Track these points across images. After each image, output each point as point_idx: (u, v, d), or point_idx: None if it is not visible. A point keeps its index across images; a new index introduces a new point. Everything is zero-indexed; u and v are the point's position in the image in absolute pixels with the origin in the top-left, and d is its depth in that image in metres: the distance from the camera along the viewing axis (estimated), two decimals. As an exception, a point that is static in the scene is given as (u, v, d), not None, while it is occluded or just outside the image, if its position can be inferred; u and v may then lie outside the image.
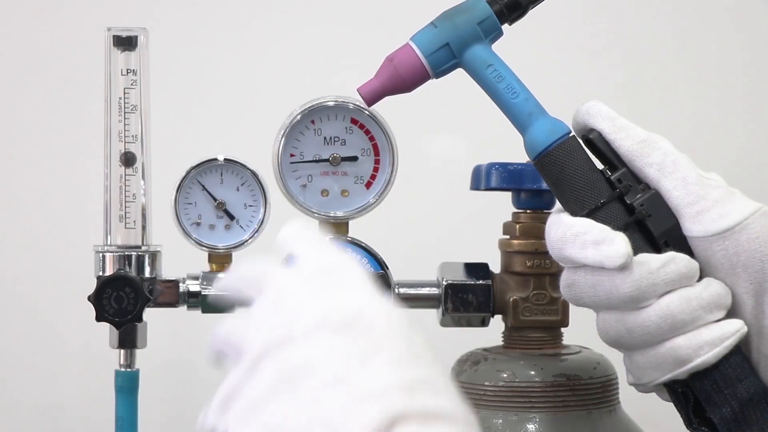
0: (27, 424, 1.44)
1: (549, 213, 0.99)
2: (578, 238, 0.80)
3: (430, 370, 0.63)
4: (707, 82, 1.48)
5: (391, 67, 0.86)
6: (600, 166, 0.84)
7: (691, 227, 0.81)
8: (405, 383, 0.61)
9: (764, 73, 1.49)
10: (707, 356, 0.79)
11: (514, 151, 1.02)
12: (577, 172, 0.82)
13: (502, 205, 1.02)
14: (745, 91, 1.49)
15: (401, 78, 0.86)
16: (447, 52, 0.85)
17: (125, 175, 0.98)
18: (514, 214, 1.01)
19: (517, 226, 1.00)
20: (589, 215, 0.82)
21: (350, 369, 0.62)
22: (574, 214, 0.82)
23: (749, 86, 1.49)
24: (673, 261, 0.80)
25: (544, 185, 0.98)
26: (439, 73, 0.86)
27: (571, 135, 0.84)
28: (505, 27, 0.87)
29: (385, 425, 0.59)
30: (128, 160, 0.98)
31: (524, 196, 1.00)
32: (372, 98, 0.87)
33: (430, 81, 0.87)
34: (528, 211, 1.00)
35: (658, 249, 0.81)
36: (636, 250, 0.80)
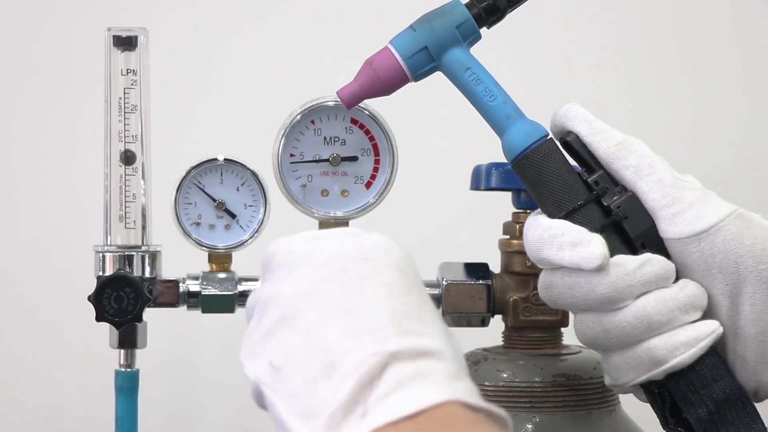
0: (27, 424, 1.44)
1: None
2: (555, 239, 0.81)
3: (420, 301, 0.66)
4: (707, 82, 1.48)
5: (370, 70, 0.86)
6: (577, 168, 0.84)
7: (667, 229, 0.82)
8: (398, 317, 0.64)
9: (764, 74, 1.49)
10: (683, 357, 0.80)
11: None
12: (554, 175, 0.83)
13: (502, 205, 1.03)
14: (744, 91, 1.49)
15: (380, 81, 0.86)
16: (425, 56, 0.86)
17: (125, 175, 0.98)
18: (514, 214, 1.01)
19: (517, 226, 1.00)
20: (566, 217, 0.82)
21: (347, 296, 0.65)
22: (551, 216, 0.83)
23: (749, 86, 1.49)
24: (650, 262, 0.80)
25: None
26: (418, 76, 0.87)
27: (548, 138, 0.84)
28: (502, 27, 0.87)
29: (380, 368, 0.62)
30: (128, 158, 0.98)
31: (524, 196, 1.00)
32: (351, 101, 0.87)
33: (418, 82, 0.87)
34: (528, 211, 1.00)
35: (634, 251, 0.82)
36: (613, 252, 0.80)
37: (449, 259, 1.02)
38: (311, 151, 0.98)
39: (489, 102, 0.85)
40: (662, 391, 0.82)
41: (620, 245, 0.82)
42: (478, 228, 1.18)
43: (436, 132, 1.45)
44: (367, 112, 0.97)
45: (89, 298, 0.95)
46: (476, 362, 0.98)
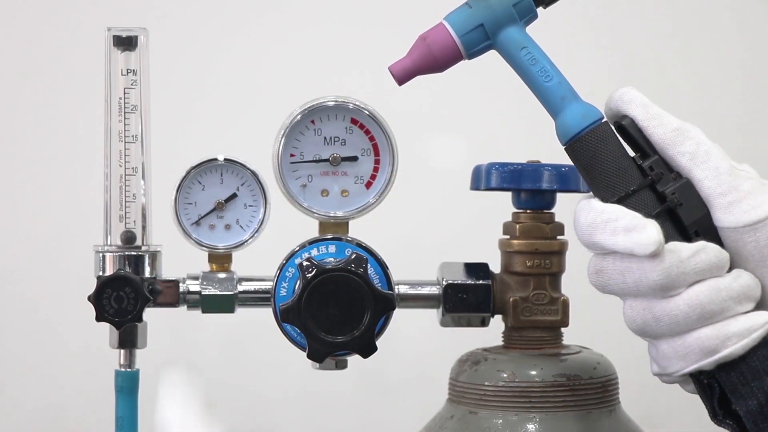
0: (27, 424, 1.44)
1: (549, 213, 1.00)
2: (609, 224, 0.80)
3: None
4: (707, 83, 1.48)
5: (424, 46, 0.85)
6: (632, 153, 0.83)
7: (723, 218, 0.81)
8: None
9: (763, 74, 1.49)
10: (735, 347, 0.79)
11: (514, 151, 1.02)
12: (608, 158, 0.82)
13: (502, 205, 1.02)
14: (744, 91, 1.49)
15: (434, 57, 0.85)
16: (481, 33, 0.84)
17: (125, 175, 0.98)
18: (514, 214, 1.01)
19: (517, 226, 1.00)
20: (619, 202, 0.81)
21: None
22: (604, 200, 0.82)
23: (748, 87, 1.49)
24: (704, 250, 0.79)
25: (544, 185, 0.98)
26: (472, 54, 0.85)
27: (603, 121, 0.83)
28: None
29: None
30: (129, 239, 0.98)
31: (524, 196, 1.00)
32: (403, 77, 0.85)
33: (452, 67, 0.86)
34: (528, 211, 1.00)
35: (688, 238, 0.81)
36: (666, 239, 0.79)
37: (449, 259, 1.02)
38: (311, 151, 0.98)
39: (544, 82, 0.84)
40: (711, 382, 0.81)
41: (674, 232, 0.81)
42: (478, 228, 1.18)
43: (436, 132, 1.45)
44: (367, 112, 0.97)
45: (89, 298, 0.95)
46: (476, 362, 0.98)
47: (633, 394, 0.99)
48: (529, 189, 0.99)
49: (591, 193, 0.83)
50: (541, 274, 0.99)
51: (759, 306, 0.80)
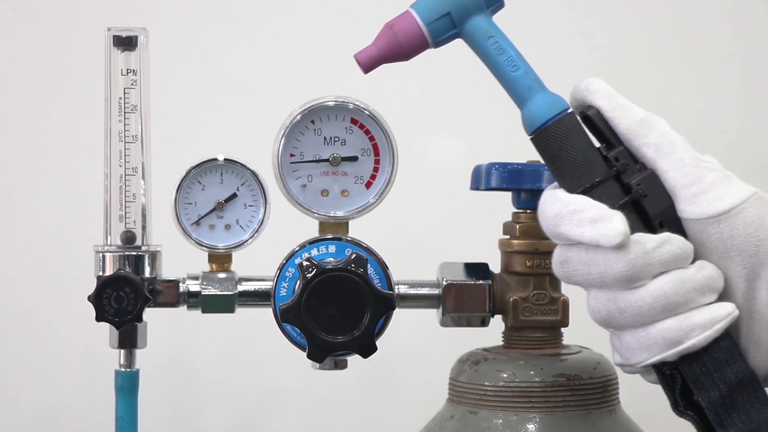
0: (27, 424, 1.44)
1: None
2: (575, 215, 0.80)
3: None
4: (705, 83, 1.48)
5: (390, 34, 0.85)
6: (597, 143, 0.84)
7: (687, 209, 0.81)
8: None
9: (762, 74, 1.49)
10: (698, 339, 0.79)
11: (514, 151, 1.02)
12: (574, 149, 0.82)
13: (502, 205, 1.03)
14: (743, 91, 1.49)
15: (400, 46, 0.85)
16: (448, 22, 0.84)
17: (125, 175, 0.98)
18: (514, 214, 1.01)
19: (517, 226, 1.00)
20: (585, 192, 0.81)
21: None
22: (570, 190, 0.82)
23: (747, 86, 1.49)
24: (669, 242, 0.80)
25: (544, 185, 0.98)
26: (439, 42, 0.85)
27: (569, 111, 0.83)
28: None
29: None
30: (129, 239, 0.98)
31: (524, 196, 1.00)
32: (369, 65, 0.85)
33: (426, 60, 0.86)
34: (528, 211, 1.00)
35: (652, 229, 0.81)
36: (631, 230, 0.79)
37: (449, 259, 1.02)
38: (311, 151, 0.98)
39: (511, 72, 0.84)
40: (674, 373, 0.81)
41: (638, 223, 0.81)
42: (478, 228, 1.18)
43: (436, 132, 1.45)
44: (367, 112, 0.97)
45: (89, 298, 0.95)
46: (476, 362, 0.98)
47: (633, 394, 0.99)
48: (529, 189, 1.00)
49: (557, 183, 0.84)
50: (541, 274, 0.99)
51: (722, 297, 0.81)
